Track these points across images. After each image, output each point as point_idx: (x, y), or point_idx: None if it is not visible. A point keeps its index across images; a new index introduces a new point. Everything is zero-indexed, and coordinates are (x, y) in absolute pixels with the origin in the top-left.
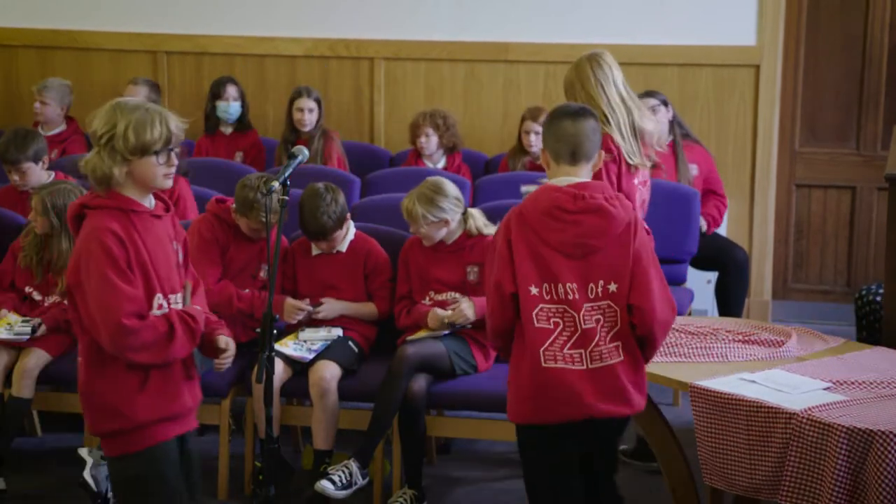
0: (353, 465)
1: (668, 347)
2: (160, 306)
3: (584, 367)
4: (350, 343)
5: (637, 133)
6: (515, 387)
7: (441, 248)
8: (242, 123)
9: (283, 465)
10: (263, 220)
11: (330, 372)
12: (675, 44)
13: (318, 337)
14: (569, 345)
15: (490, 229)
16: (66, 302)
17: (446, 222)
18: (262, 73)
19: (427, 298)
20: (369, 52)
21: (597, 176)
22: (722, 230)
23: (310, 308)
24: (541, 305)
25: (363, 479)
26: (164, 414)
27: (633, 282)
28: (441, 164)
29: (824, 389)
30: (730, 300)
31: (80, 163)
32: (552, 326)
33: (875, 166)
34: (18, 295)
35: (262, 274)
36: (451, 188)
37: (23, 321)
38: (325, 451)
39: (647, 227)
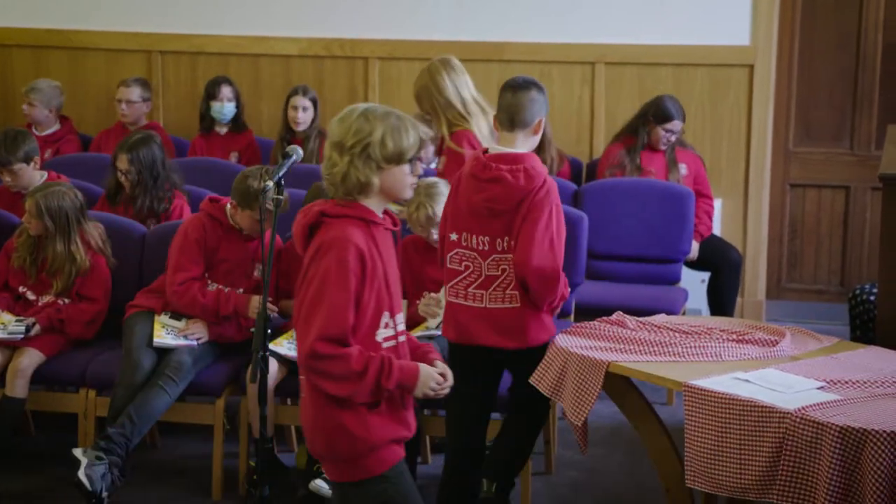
0: None
1: (662, 347)
2: (387, 325)
3: (483, 305)
4: None
5: (491, 132)
6: None
7: (435, 247)
8: (237, 124)
9: (277, 465)
10: (269, 208)
11: None
12: (670, 44)
13: None
14: (473, 286)
15: None
16: (60, 301)
17: None
18: (257, 72)
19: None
20: (364, 51)
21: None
22: (716, 230)
23: (275, 308)
24: (456, 249)
25: None
26: (396, 435)
27: (517, 238)
28: (434, 164)
29: (818, 389)
30: (723, 300)
31: (323, 170)
32: (462, 269)
33: (869, 166)
34: (12, 294)
35: (256, 273)
36: (438, 180)
37: (17, 321)
38: None
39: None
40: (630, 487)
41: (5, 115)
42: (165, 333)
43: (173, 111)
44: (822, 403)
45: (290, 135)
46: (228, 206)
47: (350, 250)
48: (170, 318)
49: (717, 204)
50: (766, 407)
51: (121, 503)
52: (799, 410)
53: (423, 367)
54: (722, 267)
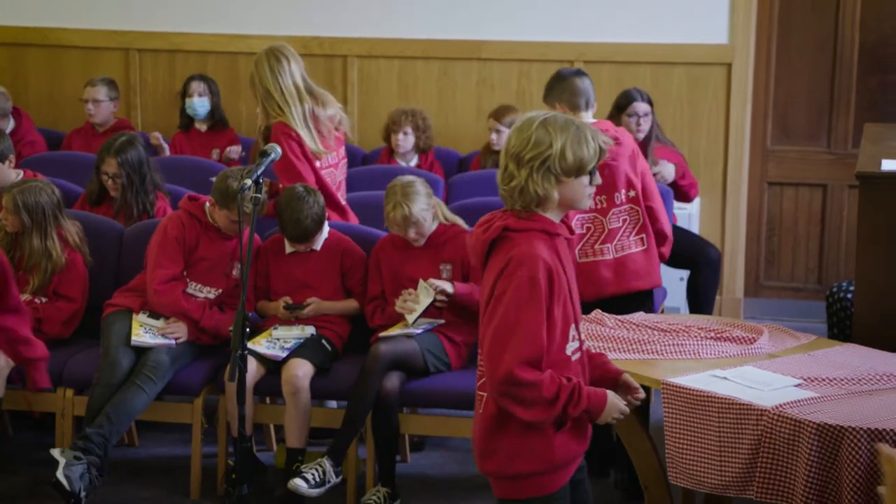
0: (327, 464)
1: (640, 345)
2: (573, 338)
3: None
4: (323, 341)
5: (315, 121)
6: None
7: (413, 246)
8: (216, 121)
9: (255, 464)
10: (247, 210)
11: (302, 370)
12: (648, 42)
13: (290, 335)
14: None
15: (456, 219)
16: (37, 300)
17: (433, 208)
18: (236, 70)
19: None
20: (342, 50)
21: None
22: (694, 228)
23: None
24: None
25: (336, 477)
26: (576, 454)
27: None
28: (414, 163)
29: (795, 386)
30: (702, 298)
31: (499, 181)
32: (584, 231)
33: (846, 164)
34: None
35: (235, 272)
36: (415, 178)
37: None
38: (297, 450)
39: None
40: (608, 484)
41: None
42: (144, 332)
43: (151, 110)
44: (799, 401)
45: (268, 132)
46: (207, 204)
47: (539, 267)
48: (148, 316)
49: (696, 202)
50: (744, 404)
51: (99, 503)
52: (777, 408)
53: (611, 397)
54: (701, 265)
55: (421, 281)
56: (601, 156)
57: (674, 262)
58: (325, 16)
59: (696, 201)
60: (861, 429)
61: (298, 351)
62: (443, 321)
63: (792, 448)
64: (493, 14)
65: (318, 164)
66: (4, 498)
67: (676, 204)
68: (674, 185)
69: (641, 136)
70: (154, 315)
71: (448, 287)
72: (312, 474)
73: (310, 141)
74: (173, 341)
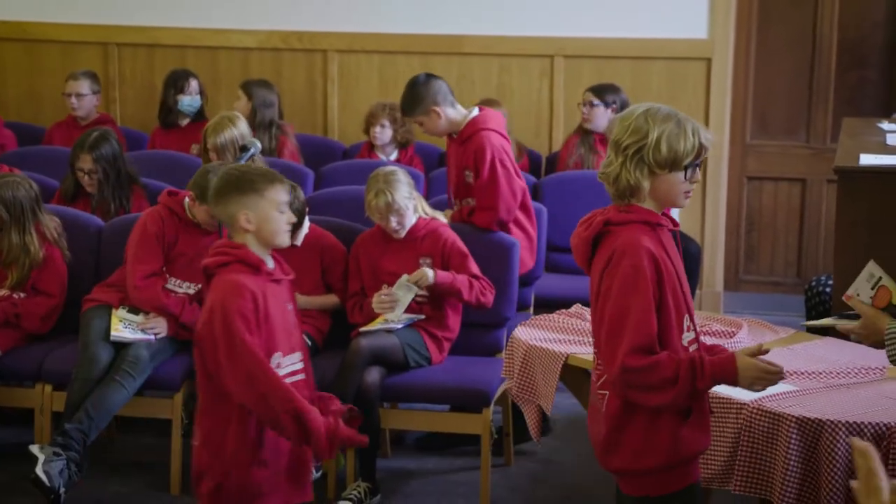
0: None
1: None
2: (688, 328)
3: None
4: (303, 336)
5: None
6: None
7: (392, 240)
8: (198, 115)
9: None
10: None
11: None
12: (628, 37)
13: None
14: None
15: (436, 213)
16: (15, 296)
17: (413, 201)
18: (215, 65)
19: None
20: (323, 44)
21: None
22: None
23: None
24: None
25: (316, 472)
26: (704, 447)
27: None
28: (394, 157)
29: None
30: None
31: (601, 166)
32: None
33: (825, 159)
34: None
35: None
36: (397, 168)
37: None
38: None
39: None
40: (587, 477)
41: None
42: (123, 328)
43: (130, 104)
44: (778, 394)
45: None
46: (187, 199)
47: (642, 256)
48: (127, 312)
49: None
50: (723, 398)
51: (78, 498)
52: (756, 401)
53: (741, 358)
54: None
55: (403, 276)
56: (701, 153)
57: None
58: (305, 10)
59: None
60: (839, 422)
61: None
62: (423, 316)
63: (771, 441)
64: (474, 9)
65: None
66: None
67: None
68: None
69: (587, 124)
70: (133, 310)
71: (430, 273)
72: None
73: None
74: (153, 337)
